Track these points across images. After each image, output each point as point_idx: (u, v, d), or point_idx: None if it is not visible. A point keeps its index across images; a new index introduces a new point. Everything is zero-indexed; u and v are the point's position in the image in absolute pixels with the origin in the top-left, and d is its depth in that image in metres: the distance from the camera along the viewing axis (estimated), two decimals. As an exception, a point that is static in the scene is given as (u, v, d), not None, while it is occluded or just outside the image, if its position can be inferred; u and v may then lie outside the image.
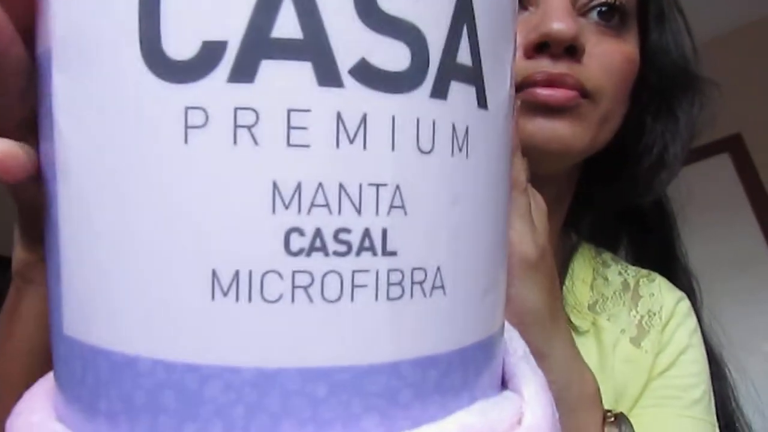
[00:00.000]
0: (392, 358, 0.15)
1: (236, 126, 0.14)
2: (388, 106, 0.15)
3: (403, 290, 0.15)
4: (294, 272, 0.14)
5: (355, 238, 0.15)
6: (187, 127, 0.14)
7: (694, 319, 0.49)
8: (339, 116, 0.15)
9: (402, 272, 0.15)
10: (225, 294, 0.14)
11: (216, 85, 0.14)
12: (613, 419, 0.31)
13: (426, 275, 0.16)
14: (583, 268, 0.50)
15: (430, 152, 0.16)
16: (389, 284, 0.15)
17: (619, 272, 0.51)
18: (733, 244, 2.04)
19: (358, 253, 0.15)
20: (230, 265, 0.14)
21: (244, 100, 0.14)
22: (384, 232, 0.15)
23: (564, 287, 0.47)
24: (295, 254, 0.14)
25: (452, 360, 0.17)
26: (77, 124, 0.16)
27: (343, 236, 0.15)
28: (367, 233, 0.15)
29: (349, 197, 0.15)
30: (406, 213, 0.15)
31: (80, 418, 0.17)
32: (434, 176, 0.16)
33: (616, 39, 0.42)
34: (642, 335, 0.46)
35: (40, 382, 0.20)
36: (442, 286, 0.16)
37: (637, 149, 0.48)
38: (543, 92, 0.38)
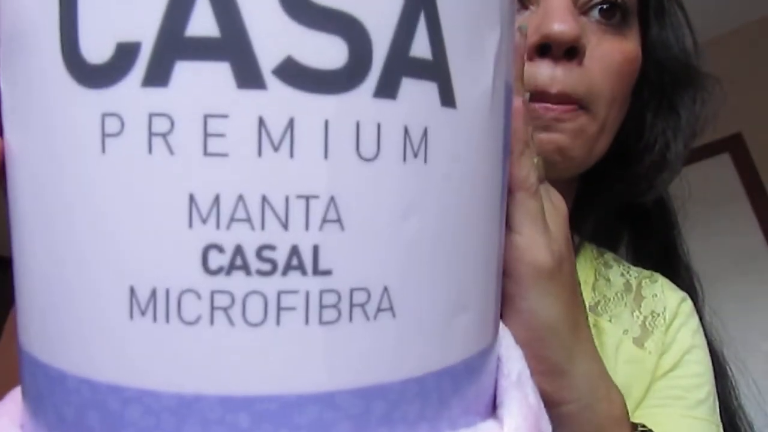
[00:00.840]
0: (326, 387, 0.14)
1: (151, 134, 0.13)
2: (319, 109, 0.13)
3: (339, 313, 0.14)
4: (213, 292, 0.13)
5: (280, 256, 0.13)
6: (104, 135, 0.13)
7: (696, 320, 0.48)
8: (261, 121, 0.13)
9: (338, 293, 0.14)
10: (143, 313, 0.13)
11: (130, 89, 0.13)
12: None
13: (369, 296, 0.14)
14: (584, 269, 0.49)
15: (374, 159, 0.14)
16: (322, 306, 0.14)
17: (621, 273, 0.50)
18: (733, 244, 2.05)
19: (284, 273, 0.13)
20: (147, 282, 0.13)
21: (159, 105, 0.13)
22: (315, 249, 0.14)
23: None
24: (214, 273, 0.13)
25: (406, 389, 0.15)
26: (13, 128, 0.15)
27: (266, 254, 0.13)
28: (294, 250, 0.13)
29: (274, 211, 0.13)
30: (343, 228, 0.14)
31: (32, 426, 0.16)
32: (380, 186, 0.14)
33: (617, 37, 0.41)
34: (645, 336, 0.45)
35: (19, 387, 0.20)
36: (391, 308, 0.14)
37: (638, 147, 0.46)
38: (540, 106, 0.38)
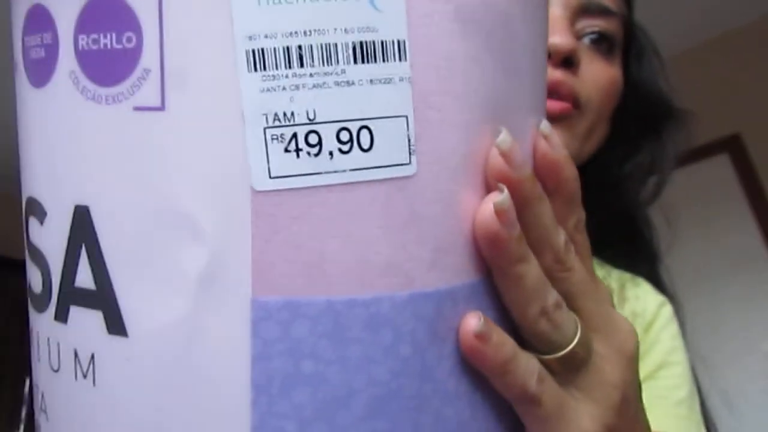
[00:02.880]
0: None
1: None
2: (39, 325, 0.17)
3: None
4: None
5: None
6: None
7: (676, 324, 0.54)
8: None
9: None
10: None
11: None
12: None
13: None
14: None
15: (58, 371, 0.17)
16: None
17: (603, 277, 0.52)
18: (731, 244, 2.06)
19: None
20: None
21: None
22: None
23: None
24: None
25: None
26: None
27: None
28: None
29: None
30: (48, 418, 0.17)
31: None
32: (64, 394, 0.17)
33: (604, 62, 0.50)
34: None
35: None
36: None
37: (625, 167, 0.56)
38: None
